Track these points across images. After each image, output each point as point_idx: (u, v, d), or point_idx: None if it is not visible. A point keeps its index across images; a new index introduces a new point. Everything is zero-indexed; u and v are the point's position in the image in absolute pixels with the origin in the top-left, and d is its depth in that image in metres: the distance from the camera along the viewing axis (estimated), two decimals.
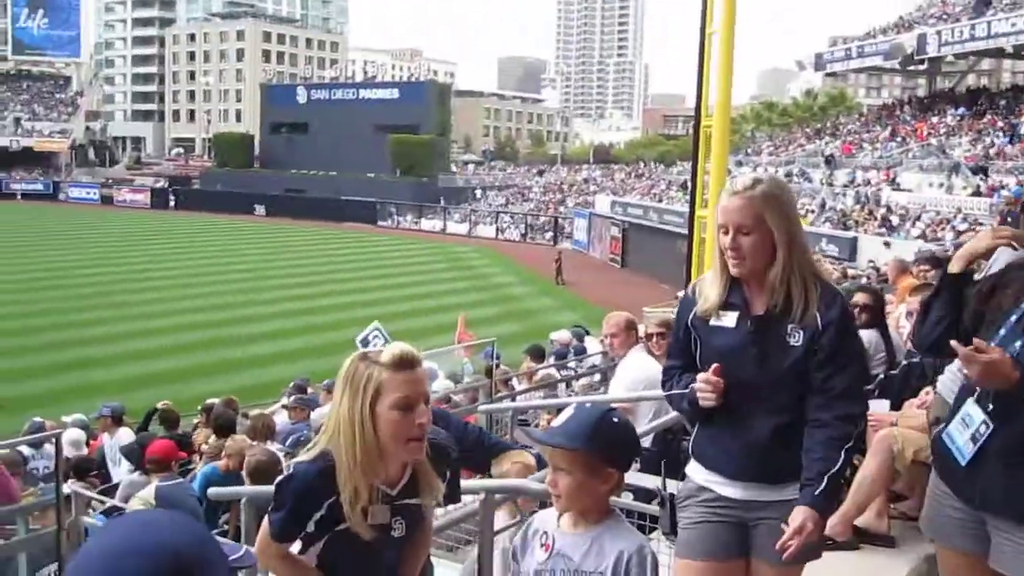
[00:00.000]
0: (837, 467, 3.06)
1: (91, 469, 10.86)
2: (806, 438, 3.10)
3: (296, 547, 2.85)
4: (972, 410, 3.11)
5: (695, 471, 3.33)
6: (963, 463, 3.10)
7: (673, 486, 3.38)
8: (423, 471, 2.87)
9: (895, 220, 33.72)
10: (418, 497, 2.90)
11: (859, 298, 6.98)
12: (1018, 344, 3.02)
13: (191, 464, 10.08)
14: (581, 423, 2.80)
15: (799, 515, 3.04)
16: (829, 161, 44.34)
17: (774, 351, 3.09)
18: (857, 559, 5.81)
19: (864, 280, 16.90)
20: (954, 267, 3.30)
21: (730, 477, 3.21)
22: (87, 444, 12.89)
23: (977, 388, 3.11)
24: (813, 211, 38.41)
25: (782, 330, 3.09)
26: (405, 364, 2.73)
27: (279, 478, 2.83)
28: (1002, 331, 3.07)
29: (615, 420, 2.86)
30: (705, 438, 3.29)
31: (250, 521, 4.47)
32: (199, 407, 13.81)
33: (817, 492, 3.05)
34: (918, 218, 33.08)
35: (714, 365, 3.12)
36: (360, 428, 2.68)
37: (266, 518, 2.87)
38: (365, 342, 15.39)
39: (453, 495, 3.10)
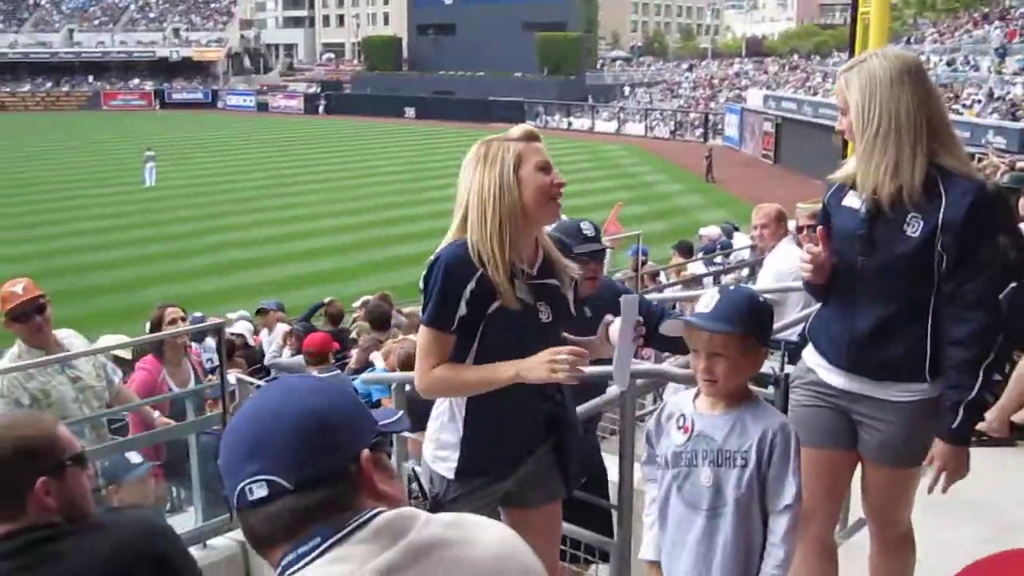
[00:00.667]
0: (975, 393, 2.91)
1: (256, 361, 11.43)
2: (943, 356, 2.95)
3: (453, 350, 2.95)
4: None
5: (808, 353, 3.27)
6: None
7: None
8: (554, 254, 3.08)
9: None
10: (555, 278, 3.05)
11: None
12: None
13: (347, 357, 10.44)
14: (734, 305, 2.79)
15: (936, 451, 3.00)
16: (1002, 52, 41.73)
17: (885, 238, 2.92)
18: (1015, 456, 5.64)
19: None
20: None
21: (832, 363, 3.14)
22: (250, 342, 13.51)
23: None
24: (980, 101, 36.39)
25: (900, 217, 2.90)
26: (534, 136, 3.02)
27: (427, 275, 2.94)
28: None
29: (761, 299, 2.87)
30: (819, 320, 3.22)
31: (400, 406, 4.61)
32: (356, 304, 14.28)
33: (954, 426, 2.94)
34: None
35: (820, 234, 3.07)
36: (506, 192, 2.87)
37: (421, 326, 2.98)
38: None
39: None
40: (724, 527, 2.81)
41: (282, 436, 1.46)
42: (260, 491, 1.44)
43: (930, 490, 3.04)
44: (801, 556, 3.28)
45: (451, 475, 3.06)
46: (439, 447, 3.10)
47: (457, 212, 2.98)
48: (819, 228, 3.07)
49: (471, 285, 2.87)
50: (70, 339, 5.35)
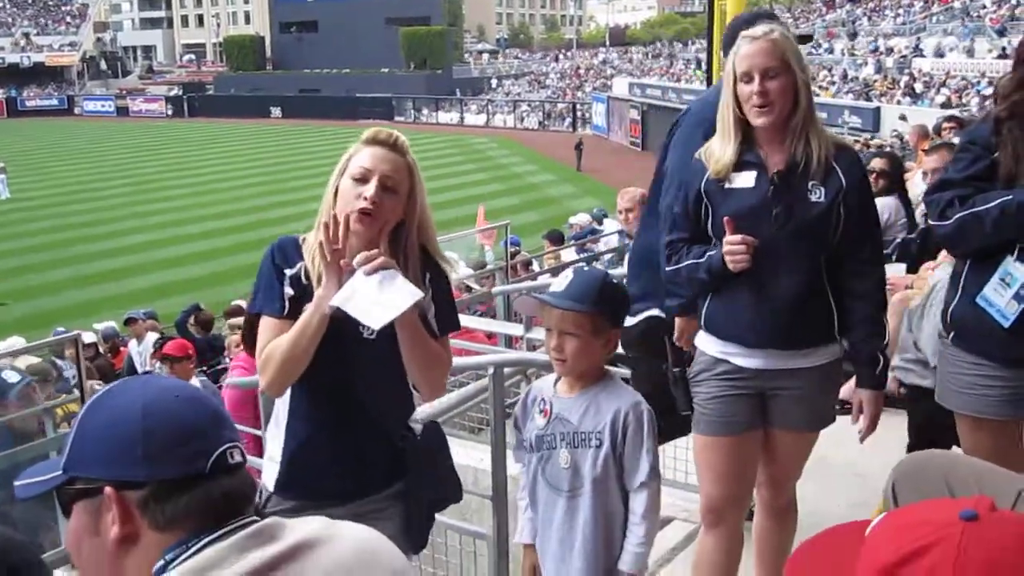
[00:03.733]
0: (885, 340, 3.09)
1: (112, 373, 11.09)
2: (848, 311, 3.08)
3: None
4: (1013, 268, 2.98)
5: (707, 344, 3.24)
6: (1007, 325, 2.99)
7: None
8: (408, 262, 2.70)
9: (919, 88, 33.08)
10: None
11: (876, 164, 6.88)
12: None
13: (220, 363, 10.23)
14: (586, 285, 2.82)
15: (865, 399, 3.13)
16: (853, 34, 43.34)
17: (797, 209, 2.99)
18: (882, 419, 5.85)
19: (888, 149, 16.68)
20: None
21: (749, 346, 3.13)
22: (116, 353, 13.11)
23: (1017, 246, 2.98)
24: (834, 82, 37.73)
25: (804, 187, 3.00)
26: (379, 140, 2.70)
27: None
28: None
29: (614, 281, 2.89)
30: (719, 308, 3.17)
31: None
32: (223, 310, 13.98)
33: (877, 372, 3.10)
34: (943, 84, 32.43)
35: (729, 225, 3.02)
36: (327, 196, 2.68)
37: (252, 311, 2.82)
38: None
39: (449, 320, 2.84)
40: (583, 507, 2.84)
41: (224, 411, 1.54)
42: (237, 456, 1.46)
43: (863, 439, 3.19)
44: (714, 542, 3.35)
45: (271, 486, 2.79)
46: (268, 453, 2.87)
47: None
48: (725, 218, 3.01)
49: (291, 270, 2.71)
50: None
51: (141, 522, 1.39)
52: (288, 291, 2.68)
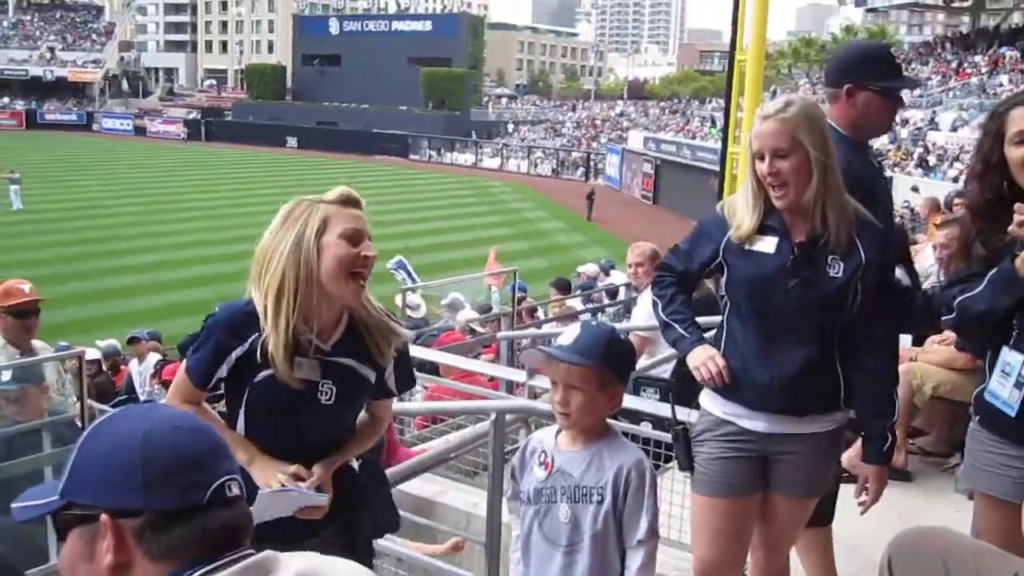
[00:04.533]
0: (895, 416, 3.13)
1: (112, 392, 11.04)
2: (860, 388, 3.09)
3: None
4: (1010, 357, 2.99)
5: (712, 404, 3.23)
6: (1012, 415, 2.97)
7: (683, 414, 3.37)
8: (366, 329, 2.73)
9: (932, 160, 33.21)
10: (354, 357, 2.73)
11: None
12: None
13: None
14: (593, 340, 2.82)
15: (871, 475, 3.15)
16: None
17: (814, 281, 2.99)
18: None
19: (898, 220, 16.72)
20: None
21: (755, 409, 3.12)
22: (116, 371, 13.07)
23: (1014, 334, 2.99)
24: None
25: (823, 259, 3.00)
26: (352, 201, 2.67)
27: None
28: None
29: (621, 337, 2.91)
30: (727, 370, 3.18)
31: None
32: None
33: (885, 448, 3.13)
34: (956, 159, 32.55)
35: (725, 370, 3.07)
36: (302, 259, 2.57)
37: (182, 365, 2.72)
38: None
39: (406, 380, 2.97)
40: (581, 563, 2.82)
41: (227, 445, 1.53)
42: (236, 489, 1.47)
43: (864, 511, 3.20)
44: None
45: None
46: None
47: (253, 267, 2.70)
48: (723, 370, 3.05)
49: (242, 348, 2.62)
50: (45, 350, 5.86)
51: (136, 551, 1.39)
52: (223, 371, 2.65)
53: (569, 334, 2.86)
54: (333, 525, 2.78)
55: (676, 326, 3.17)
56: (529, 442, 3.07)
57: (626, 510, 2.82)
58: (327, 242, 2.58)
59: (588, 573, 2.83)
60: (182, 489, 1.40)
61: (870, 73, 3.42)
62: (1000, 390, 3.02)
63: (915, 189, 27.90)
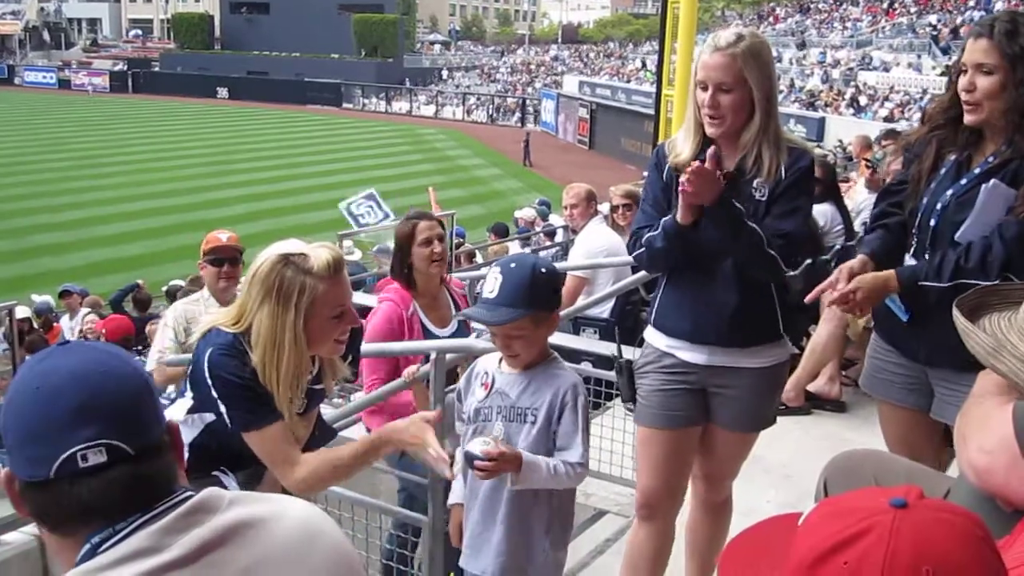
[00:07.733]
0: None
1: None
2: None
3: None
4: (908, 263, 3.12)
5: (655, 337, 3.30)
6: (904, 319, 3.11)
7: (629, 353, 3.40)
8: (333, 360, 2.87)
9: (863, 100, 33.57)
10: (322, 383, 2.89)
11: None
12: (948, 192, 3.03)
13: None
14: (517, 286, 2.83)
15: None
16: (802, 44, 43.87)
17: (743, 206, 3.00)
18: (810, 423, 5.97)
19: (829, 158, 16.87)
20: None
21: (694, 341, 3.18)
22: (49, 329, 12.85)
23: (913, 243, 3.11)
24: (782, 91, 38.12)
25: (750, 186, 3.04)
26: (339, 269, 2.66)
27: (212, 379, 2.64)
28: (932, 185, 3.08)
29: (543, 269, 2.92)
30: (669, 303, 3.24)
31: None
32: (163, 289, 13.77)
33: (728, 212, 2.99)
34: (886, 98, 32.94)
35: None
36: (293, 341, 2.61)
37: (254, 429, 2.67)
38: (352, 212, 14.41)
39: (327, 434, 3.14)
40: (509, 480, 2.85)
41: (119, 397, 1.36)
42: (97, 457, 1.31)
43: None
44: (646, 535, 3.40)
45: None
46: None
47: (236, 311, 2.69)
48: (710, 150, 2.95)
49: (249, 373, 2.65)
50: None
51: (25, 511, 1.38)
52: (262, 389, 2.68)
53: (492, 283, 2.85)
54: None
55: (652, 234, 3.11)
56: (475, 365, 3.16)
57: (560, 431, 2.90)
58: (315, 326, 2.63)
59: (516, 490, 2.89)
60: (27, 461, 1.34)
61: None
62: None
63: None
